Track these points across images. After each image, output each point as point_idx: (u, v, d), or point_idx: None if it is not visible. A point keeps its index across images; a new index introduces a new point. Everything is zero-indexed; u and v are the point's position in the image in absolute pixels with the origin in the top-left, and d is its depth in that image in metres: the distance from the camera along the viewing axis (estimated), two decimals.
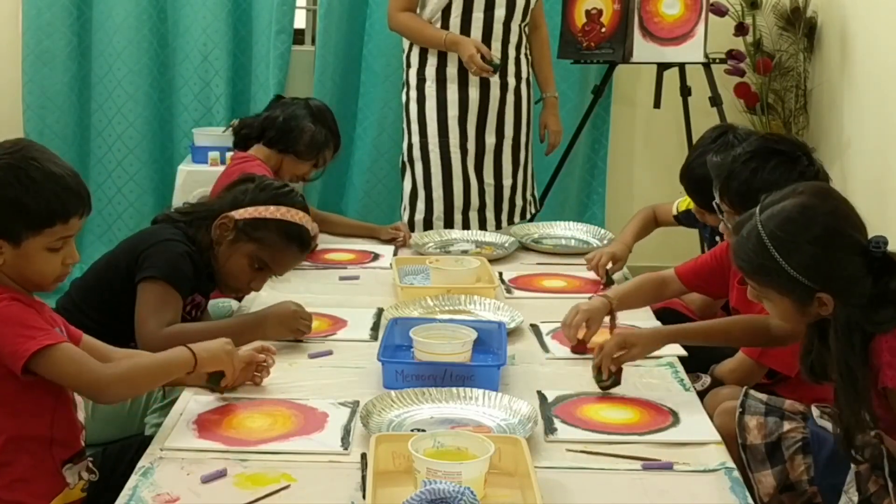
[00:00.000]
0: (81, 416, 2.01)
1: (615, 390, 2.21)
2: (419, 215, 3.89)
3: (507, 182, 3.96)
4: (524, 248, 3.42)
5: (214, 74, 4.72)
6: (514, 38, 3.85)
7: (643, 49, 4.50)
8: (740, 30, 4.72)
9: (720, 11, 4.61)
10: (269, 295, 2.76)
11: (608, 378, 2.19)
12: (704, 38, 4.45)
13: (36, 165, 1.88)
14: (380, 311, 2.68)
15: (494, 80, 3.82)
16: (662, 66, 4.57)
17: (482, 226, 3.88)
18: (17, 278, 1.92)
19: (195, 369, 2.01)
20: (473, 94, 3.83)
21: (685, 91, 4.59)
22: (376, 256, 3.29)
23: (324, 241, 3.41)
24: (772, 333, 2.31)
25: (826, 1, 4.64)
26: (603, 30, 4.56)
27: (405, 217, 3.92)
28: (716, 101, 4.48)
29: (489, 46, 3.76)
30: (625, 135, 5.14)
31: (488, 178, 3.92)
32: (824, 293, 1.93)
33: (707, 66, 4.50)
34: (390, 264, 3.11)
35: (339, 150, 3.58)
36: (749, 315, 2.42)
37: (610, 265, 3.04)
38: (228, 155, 3.68)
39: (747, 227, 1.99)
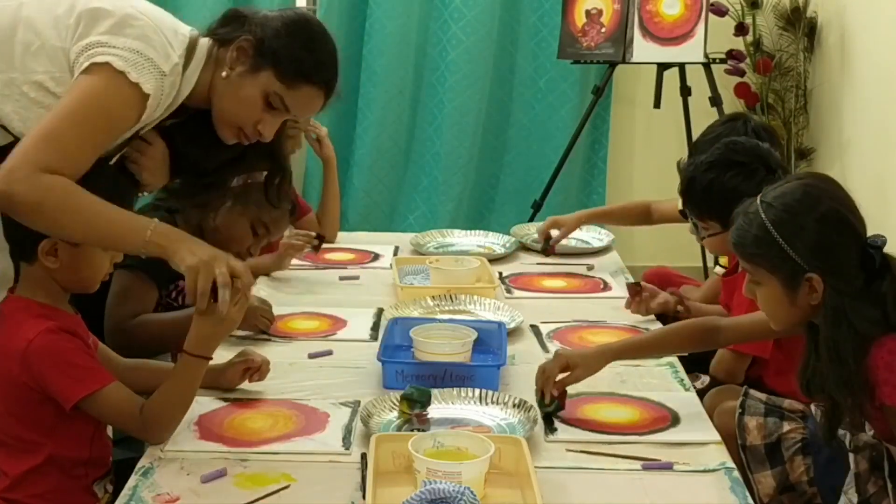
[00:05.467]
0: (109, 431, 2.04)
1: (608, 388, 2.21)
2: None
3: None
4: (524, 248, 3.42)
5: None
6: None
7: (643, 49, 4.50)
8: (740, 30, 4.73)
9: (720, 11, 4.61)
10: (269, 296, 2.76)
11: (550, 402, 2.04)
12: (704, 38, 4.45)
13: None
14: (380, 311, 2.68)
15: None
16: (662, 66, 4.57)
17: None
18: (67, 281, 1.93)
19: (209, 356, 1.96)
20: None
21: (685, 91, 4.59)
22: (376, 256, 3.29)
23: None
24: (721, 335, 2.27)
25: (826, 1, 4.64)
26: (603, 30, 4.56)
27: None
28: (716, 101, 4.48)
29: None
30: (625, 135, 5.14)
31: None
32: (814, 274, 1.89)
33: (707, 66, 4.50)
34: (390, 264, 3.11)
35: None
36: (695, 319, 2.42)
37: (555, 233, 3.04)
38: None
39: (749, 209, 1.96)
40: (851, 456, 2.01)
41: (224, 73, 2.03)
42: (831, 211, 1.90)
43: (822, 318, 1.92)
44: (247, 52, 2.02)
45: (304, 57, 2.03)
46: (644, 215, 3.33)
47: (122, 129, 1.94)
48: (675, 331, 2.32)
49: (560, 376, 2.08)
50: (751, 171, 2.43)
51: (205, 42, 2.06)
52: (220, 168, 2.25)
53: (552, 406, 2.05)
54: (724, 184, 2.43)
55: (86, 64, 1.87)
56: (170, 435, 1.92)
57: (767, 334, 2.25)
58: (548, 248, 3.00)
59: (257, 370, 2.15)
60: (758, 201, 1.95)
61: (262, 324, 2.51)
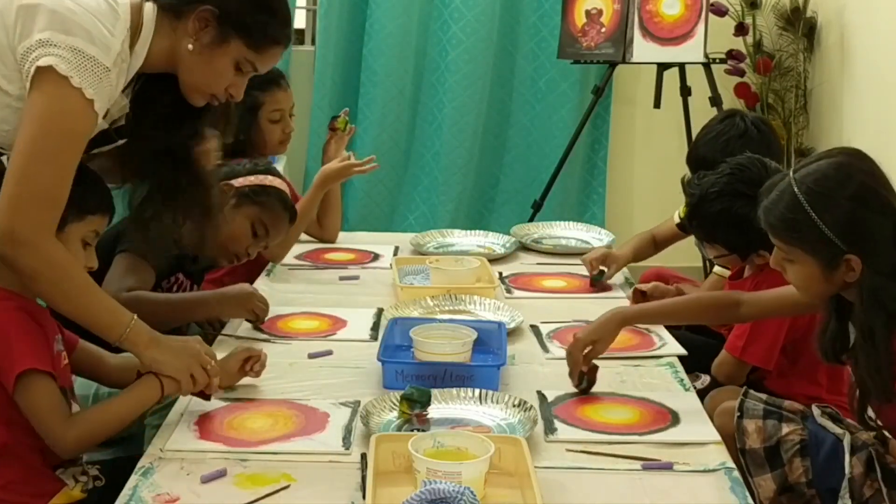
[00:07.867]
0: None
1: (608, 388, 2.22)
2: None
3: None
4: (524, 248, 3.42)
5: None
6: None
7: (643, 49, 4.50)
8: (740, 30, 4.73)
9: (720, 11, 4.61)
10: (269, 296, 2.75)
11: (581, 382, 2.18)
12: (704, 38, 4.45)
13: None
14: (380, 311, 2.68)
15: None
16: (662, 66, 4.57)
17: None
18: None
19: (164, 393, 1.99)
20: None
21: (685, 91, 4.60)
22: (376, 256, 3.29)
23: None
24: (741, 309, 2.27)
25: (826, 1, 4.64)
26: (603, 30, 4.56)
27: None
28: (716, 101, 4.48)
29: None
30: (625, 135, 5.14)
31: None
32: (853, 255, 1.88)
33: (707, 66, 4.50)
34: (390, 264, 3.11)
35: None
36: (715, 291, 2.43)
37: (605, 269, 3.01)
38: None
39: (780, 186, 1.96)
40: (847, 458, 2.00)
41: (189, 46, 1.98)
42: (863, 186, 1.90)
43: (857, 298, 1.91)
44: (209, 23, 1.98)
45: (269, 21, 2.02)
46: (649, 243, 3.27)
47: (88, 136, 1.93)
48: (694, 300, 2.38)
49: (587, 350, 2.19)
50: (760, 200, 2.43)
51: (150, 8, 2.00)
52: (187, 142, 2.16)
53: (584, 384, 2.19)
54: (732, 213, 2.46)
55: (32, 70, 1.85)
56: (80, 452, 1.97)
57: (788, 310, 2.27)
58: (600, 281, 2.95)
59: (258, 360, 2.17)
60: (791, 177, 1.94)
61: (258, 309, 2.53)
